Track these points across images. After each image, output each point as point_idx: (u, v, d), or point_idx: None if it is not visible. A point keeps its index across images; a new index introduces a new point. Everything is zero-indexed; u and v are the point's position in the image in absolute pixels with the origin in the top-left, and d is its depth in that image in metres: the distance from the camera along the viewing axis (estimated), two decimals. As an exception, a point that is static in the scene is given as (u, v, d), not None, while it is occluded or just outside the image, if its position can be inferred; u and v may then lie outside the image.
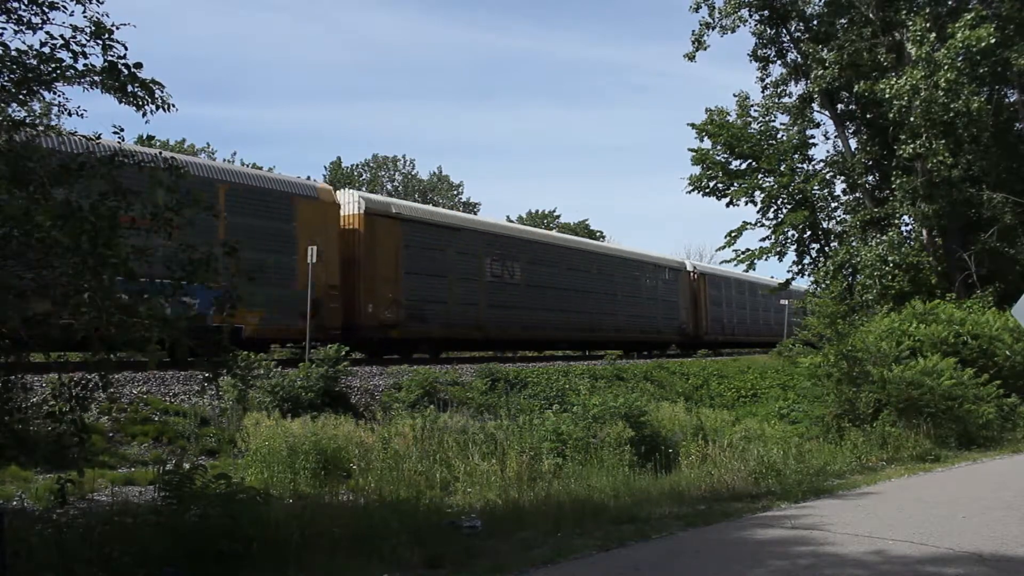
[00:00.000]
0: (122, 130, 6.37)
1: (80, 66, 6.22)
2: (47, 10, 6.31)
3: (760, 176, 24.64)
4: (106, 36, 6.16)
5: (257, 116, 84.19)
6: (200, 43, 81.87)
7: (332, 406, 12.79)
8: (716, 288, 37.06)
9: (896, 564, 6.03)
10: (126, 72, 6.26)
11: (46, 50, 6.16)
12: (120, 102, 6.43)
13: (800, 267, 25.36)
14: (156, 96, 6.47)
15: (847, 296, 21.54)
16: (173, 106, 6.68)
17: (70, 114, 6.59)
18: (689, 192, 25.61)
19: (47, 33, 6.27)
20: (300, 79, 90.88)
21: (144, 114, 6.50)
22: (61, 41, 6.19)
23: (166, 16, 76.79)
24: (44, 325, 5.83)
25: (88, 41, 6.20)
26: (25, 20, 6.27)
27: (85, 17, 6.23)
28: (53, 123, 7.02)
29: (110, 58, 6.24)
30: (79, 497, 7.79)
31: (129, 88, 6.31)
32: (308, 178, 37.54)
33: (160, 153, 6.95)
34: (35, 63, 6.13)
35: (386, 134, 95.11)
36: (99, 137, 6.52)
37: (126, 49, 6.30)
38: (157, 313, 5.61)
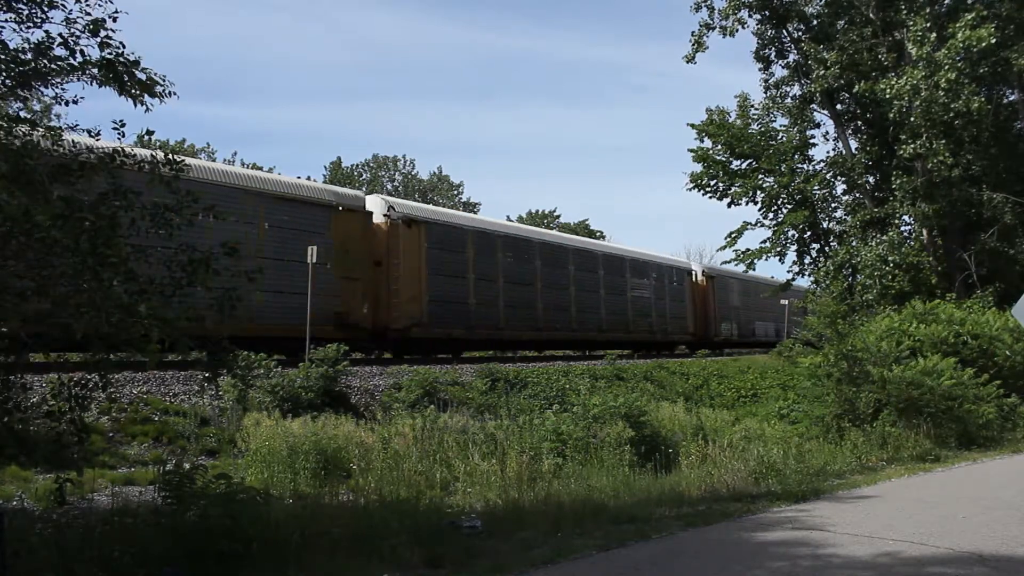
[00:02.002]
0: (123, 124, 6.34)
1: (76, 62, 6.20)
2: (47, 9, 6.30)
3: (760, 176, 24.65)
4: (103, 34, 6.15)
5: (257, 116, 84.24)
6: (200, 43, 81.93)
7: (332, 406, 12.79)
8: (453, 251, 21.25)
9: (896, 564, 6.03)
10: (123, 68, 6.24)
11: (47, 46, 6.15)
12: (120, 94, 6.42)
13: (800, 267, 25.37)
14: (155, 91, 6.45)
15: (847, 296, 21.57)
16: (174, 94, 6.65)
17: (67, 104, 6.58)
18: (690, 190, 25.63)
19: (45, 31, 6.27)
20: (300, 79, 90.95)
21: (145, 108, 6.49)
22: (59, 40, 6.18)
23: (166, 16, 76.82)
24: (44, 325, 5.83)
25: (82, 34, 6.18)
26: (25, 15, 6.26)
27: (86, 14, 6.22)
28: (52, 121, 7.02)
29: (107, 55, 6.23)
30: (79, 497, 7.79)
31: (126, 80, 6.30)
32: (308, 178, 37.51)
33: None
34: (30, 58, 6.13)
35: (386, 134, 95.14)
36: (99, 134, 6.50)
37: (124, 46, 6.29)
38: (157, 313, 5.61)
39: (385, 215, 19.68)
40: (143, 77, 6.39)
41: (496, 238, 23.11)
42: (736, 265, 26.26)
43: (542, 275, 24.32)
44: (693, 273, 33.92)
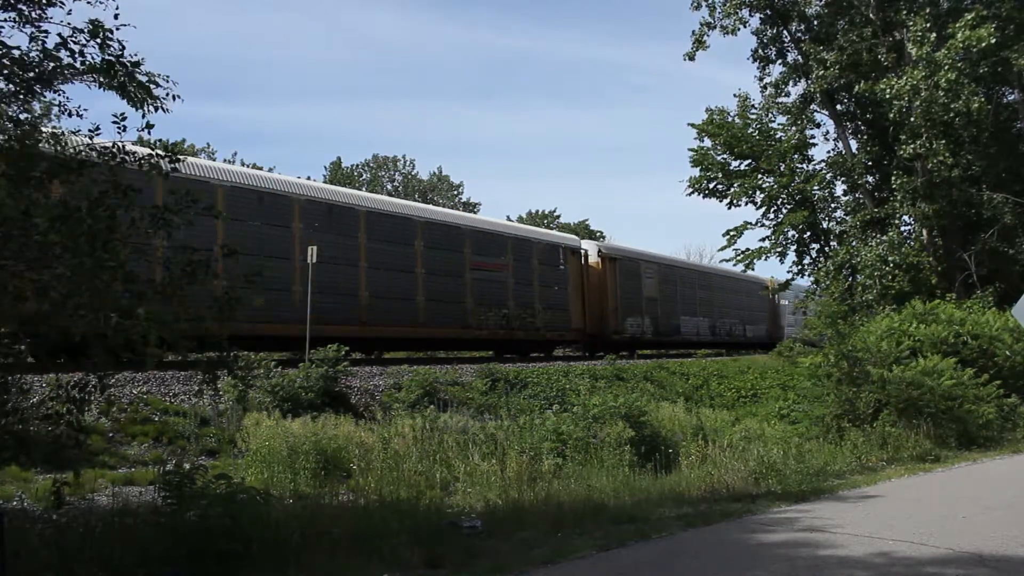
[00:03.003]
0: (124, 118, 6.32)
1: (79, 64, 6.20)
2: (44, 7, 6.30)
3: (760, 176, 24.65)
4: (103, 34, 6.14)
5: (257, 116, 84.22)
6: (200, 42, 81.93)
7: (332, 406, 12.79)
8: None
9: (896, 565, 6.03)
10: (124, 70, 6.24)
11: (45, 47, 6.15)
12: (122, 98, 6.42)
13: (800, 267, 25.37)
14: (154, 94, 6.44)
15: (847, 296, 21.57)
16: (178, 96, 6.65)
17: (70, 114, 6.58)
18: (689, 195, 25.65)
19: (44, 31, 6.27)
20: (300, 78, 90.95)
21: (144, 114, 6.50)
22: (59, 40, 6.18)
23: (166, 15, 76.83)
24: (42, 326, 5.83)
25: (88, 42, 6.18)
26: (25, 14, 6.26)
27: (88, 18, 6.23)
28: (53, 123, 7.00)
29: (108, 57, 6.22)
30: (79, 497, 7.79)
31: (128, 87, 6.30)
32: (309, 178, 37.42)
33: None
34: (38, 60, 6.13)
35: (386, 134, 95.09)
36: (98, 129, 6.49)
37: (123, 47, 6.28)
38: (154, 316, 5.60)
39: None
40: (144, 79, 6.38)
41: (216, 189, 15.91)
42: (735, 264, 26.08)
43: (304, 244, 16.94)
44: (583, 253, 26.27)
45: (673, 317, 30.52)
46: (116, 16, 6.22)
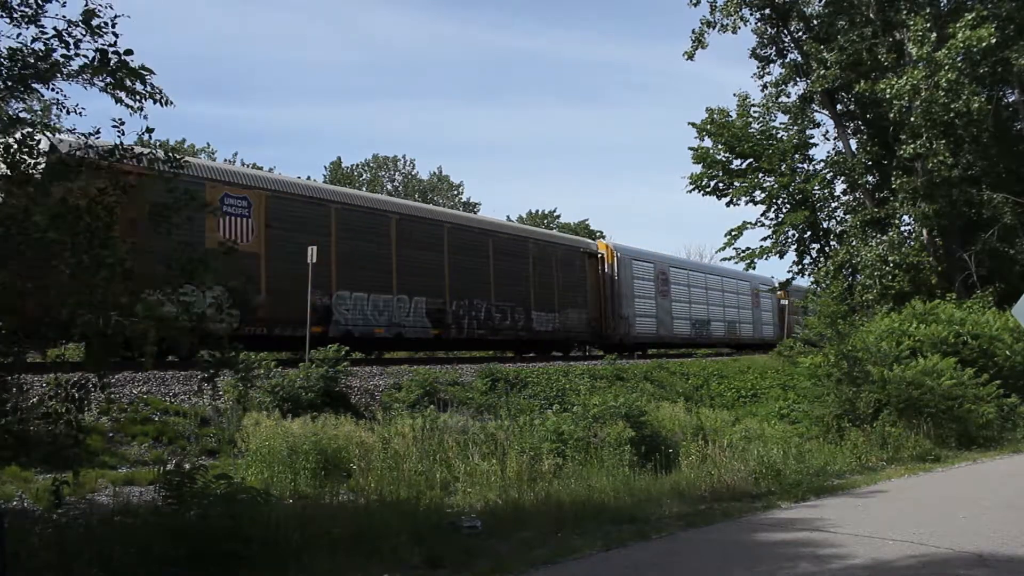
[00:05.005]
0: (122, 123, 6.30)
1: (72, 54, 6.17)
2: (41, 1, 6.28)
3: (760, 176, 24.64)
4: (94, 23, 6.11)
5: (257, 116, 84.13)
6: (199, 42, 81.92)
7: (332, 406, 12.76)
8: None
9: (896, 564, 6.03)
10: (116, 59, 6.20)
11: (40, 44, 6.14)
12: (115, 100, 6.39)
13: (800, 267, 25.36)
14: (147, 81, 6.41)
15: (847, 296, 21.56)
16: (170, 103, 6.64)
17: (69, 112, 6.57)
18: (690, 191, 25.67)
19: (39, 26, 6.25)
20: (301, 78, 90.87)
21: (141, 108, 6.47)
22: (54, 33, 6.15)
23: (166, 15, 76.83)
24: (42, 324, 5.82)
25: (84, 35, 6.16)
26: (19, 14, 6.24)
27: (84, 10, 6.20)
28: (52, 122, 6.99)
29: (100, 46, 6.19)
30: (80, 497, 7.78)
31: (119, 75, 6.25)
32: (309, 178, 37.38)
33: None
34: (32, 60, 6.11)
35: (386, 134, 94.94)
36: (98, 131, 6.48)
37: (116, 36, 6.25)
38: (154, 313, 5.59)
39: None
40: (136, 66, 6.33)
41: None
42: (735, 264, 26.06)
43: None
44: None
45: (291, 300, 15.96)
46: (114, 24, 6.20)
